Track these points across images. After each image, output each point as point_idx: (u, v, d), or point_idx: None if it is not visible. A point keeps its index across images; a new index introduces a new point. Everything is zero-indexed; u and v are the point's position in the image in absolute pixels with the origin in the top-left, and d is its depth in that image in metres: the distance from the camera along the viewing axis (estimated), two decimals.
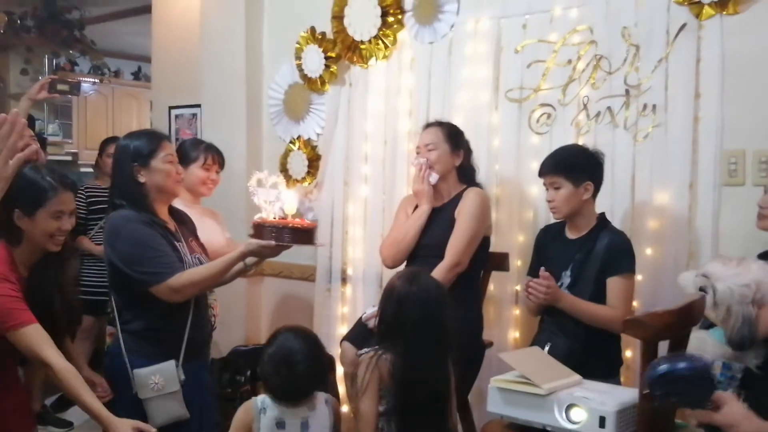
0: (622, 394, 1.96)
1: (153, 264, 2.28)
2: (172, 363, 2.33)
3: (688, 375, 1.53)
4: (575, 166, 2.53)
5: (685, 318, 1.82)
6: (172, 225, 2.47)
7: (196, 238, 2.59)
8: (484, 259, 2.87)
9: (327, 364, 2.21)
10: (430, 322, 2.11)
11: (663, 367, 1.55)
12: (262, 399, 2.11)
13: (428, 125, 2.93)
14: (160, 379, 2.30)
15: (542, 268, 2.52)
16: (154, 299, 2.30)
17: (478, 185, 2.88)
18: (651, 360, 1.78)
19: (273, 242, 2.28)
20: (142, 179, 2.38)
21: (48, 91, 3.49)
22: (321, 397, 2.15)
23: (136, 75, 8.11)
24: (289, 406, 2.09)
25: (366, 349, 2.18)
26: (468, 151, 2.92)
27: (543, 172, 2.60)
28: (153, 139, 2.44)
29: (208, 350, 2.63)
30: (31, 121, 4.89)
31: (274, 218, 2.33)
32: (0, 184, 1.50)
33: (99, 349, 4.49)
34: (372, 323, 2.66)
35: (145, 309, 2.34)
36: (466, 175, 2.89)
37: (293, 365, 2.05)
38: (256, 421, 2.08)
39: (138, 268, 2.29)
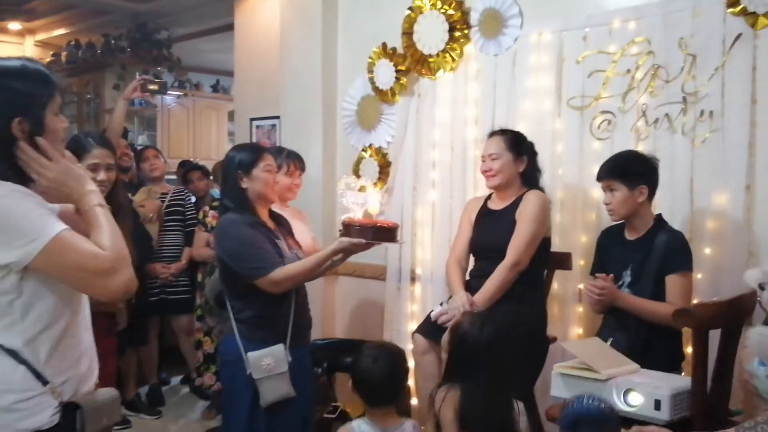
0: (677, 381, 2.11)
1: (256, 260, 2.57)
2: (281, 346, 2.60)
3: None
4: (629, 170, 2.67)
5: (735, 310, 1.95)
6: (272, 225, 2.76)
7: (293, 236, 2.87)
8: (546, 259, 3.03)
9: (406, 372, 2.36)
10: (496, 365, 2.17)
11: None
12: (358, 424, 2.27)
13: (492, 134, 3.09)
14: (271, 360, 2.56)
15: (596, 274, 2.68)
16: (260, 291, 2.58)
17: (540, 189, 3.03)
18: (703, 348, 1.92)
19: (363, 240, 2.53)
20: (244, 185, 2.68)
21: (140, 90, 3.88)
22: (409, 423, 2.29)
23: (215, 87, 8.56)
24: (381, 423, 2.23)
25: (442, 387, 2.26)
26: (532, 155, 3.07)
27: (600, 176, 2.75)
28: (255, 151, 2.75)
29: (310, 335, 2.89)
30: (124, 132, 5.30)
31: (360, 218, 2.58)
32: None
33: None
34: (442, 320, 2.85)
35: (253, 299, 2.62)
36: (529, 178, 3.04)
37: (382, 364, 2.24)
38: None
39: (243, 263, 2.59)
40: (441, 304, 3.00)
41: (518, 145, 3.02)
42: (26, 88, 1.58)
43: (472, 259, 3.18)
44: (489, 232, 3.04)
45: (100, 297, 1.63)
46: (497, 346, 2.18)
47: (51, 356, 1.58)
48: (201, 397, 4.60)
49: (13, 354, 1.55)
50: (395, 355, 2.31)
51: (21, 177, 1.58)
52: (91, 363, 1.73)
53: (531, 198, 2.95)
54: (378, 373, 2.23)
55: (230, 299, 2.69)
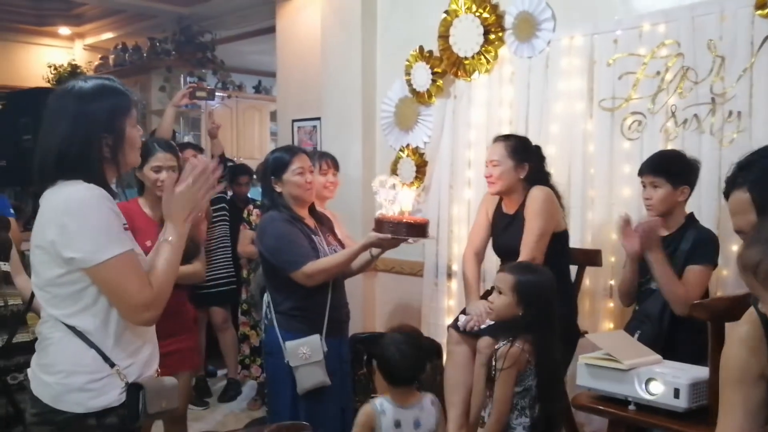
0: (696, 371, 2.20)
1: (291, 254, 2.73)
2: (317, 336, 2.75)
3: None
4: (676, 170, 2.72)
5: (748, 303, 2.03)
6: (311, 222, 2.91)
7: (333, 234, 3.01)
8: (566, 252, 3.09)
9: (427, 352, 2.54)
10: (554, 308, 2.45)
11: None
12: (380, 402, 2.40)
13: (495, 140, 3.13)
14: (307, 349, 2.71)
15: (625, 212, 2.79)
16: (297, 284, 2.74)
17: (547, 184, 3.05)
18: (718, 339, 2.02)
19: (389, 235, 2.65)
20: (278, 189, 2.84)
21: (189, 98, 4.07)
22: (428, 398, 2.45)
23: (257, 88, 8.78)
24: (402, 401, 2.38)
25: (504, 342, 2.45)
26: (539, 159, 3.11)
27: (644, 171, 2.78)
28: (286, 154, 2.89)
29: (347, 327, 3.02)
30: (172, 134, 5.52)
31: (393, 214, 2.70)
32: (196, 212, 1.84)
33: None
34: (470, 326, 2.92)
35: (291, 292, 2.78)
36: (533, 182, 3.05)
37: (402, 347, 2.39)
38: (377, 421, 2.36)
39: (279, 257, 2.75)
40: (462, 315, 3.07)
41: (521, 151, 3.04)
42: (108, 106, 1.77)
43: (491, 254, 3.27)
44: (507, 234, 3.10)
45: (123, 316, 1.78)
46: (551, 290, 2.46)
47: (118, 341, 1.77)
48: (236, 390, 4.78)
49: (84, 338, 1.73)
50: (414, 339, 2.46)
51: (109, 190, 1.78)
52: (153, 351, 1.90)
53: (534, 194, 2.99)
54: (398, 356, 2.37)
55: (270, 292, 2.86)
